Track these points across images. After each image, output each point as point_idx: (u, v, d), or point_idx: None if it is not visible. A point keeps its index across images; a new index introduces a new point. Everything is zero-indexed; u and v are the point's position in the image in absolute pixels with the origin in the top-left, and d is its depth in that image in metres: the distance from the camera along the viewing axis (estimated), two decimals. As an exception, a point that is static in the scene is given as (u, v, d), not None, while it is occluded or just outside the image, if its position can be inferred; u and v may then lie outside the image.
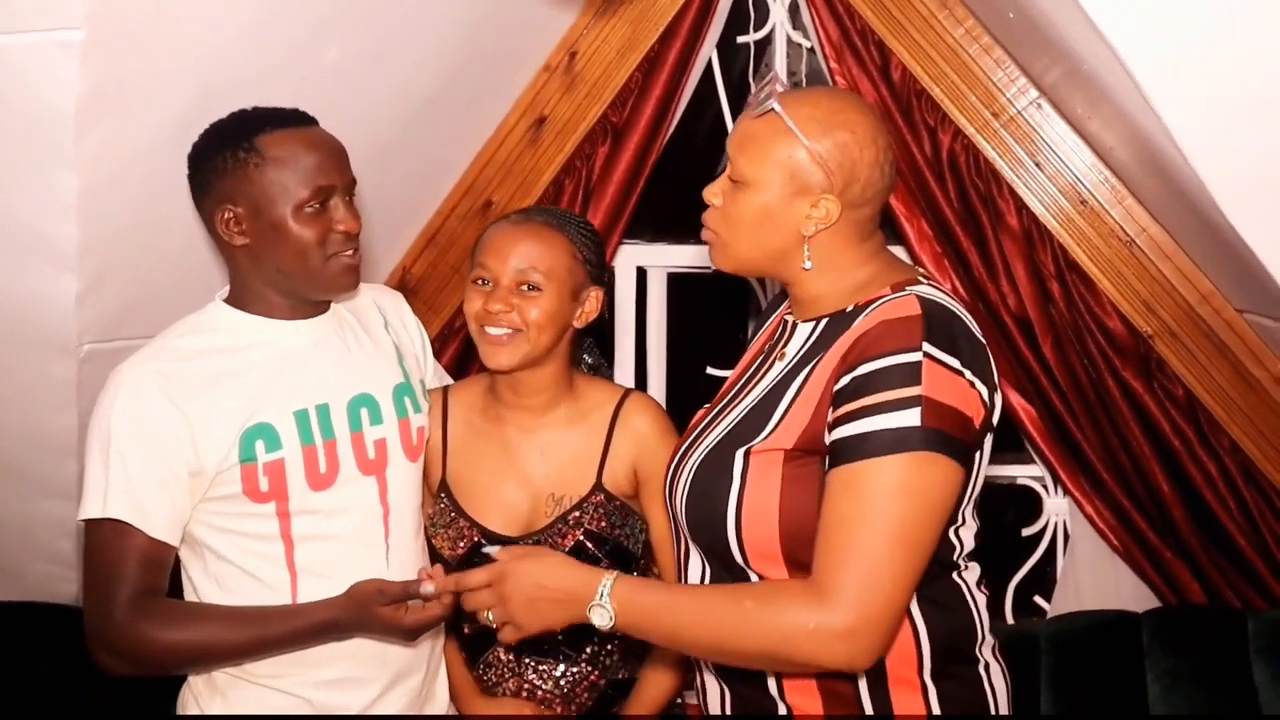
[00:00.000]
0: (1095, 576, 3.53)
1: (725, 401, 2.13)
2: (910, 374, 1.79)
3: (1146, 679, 3.22)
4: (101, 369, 2.21)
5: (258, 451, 2.19)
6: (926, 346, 1.80)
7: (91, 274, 2.50)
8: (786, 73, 3.62)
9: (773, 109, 1.96)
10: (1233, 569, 3.36)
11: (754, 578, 1.93)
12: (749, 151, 1.98)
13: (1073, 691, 3.23)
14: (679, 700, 2.55)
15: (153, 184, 2.44)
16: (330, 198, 2.21)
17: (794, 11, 3.52)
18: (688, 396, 4.02)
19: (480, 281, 2.36)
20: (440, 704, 2.46)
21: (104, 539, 2.14)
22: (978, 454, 1.89)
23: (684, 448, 2.13)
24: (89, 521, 2.16)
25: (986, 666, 1.99)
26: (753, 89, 3.69)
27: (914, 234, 3.34)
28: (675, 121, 3.49)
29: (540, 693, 2.40)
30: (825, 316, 1.99)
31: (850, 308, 1.95)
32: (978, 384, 1.84)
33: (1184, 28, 2.03)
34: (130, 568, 2.13)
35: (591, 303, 2.44)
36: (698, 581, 2.04)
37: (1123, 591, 3.48)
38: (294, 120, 2.23)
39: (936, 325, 1.83)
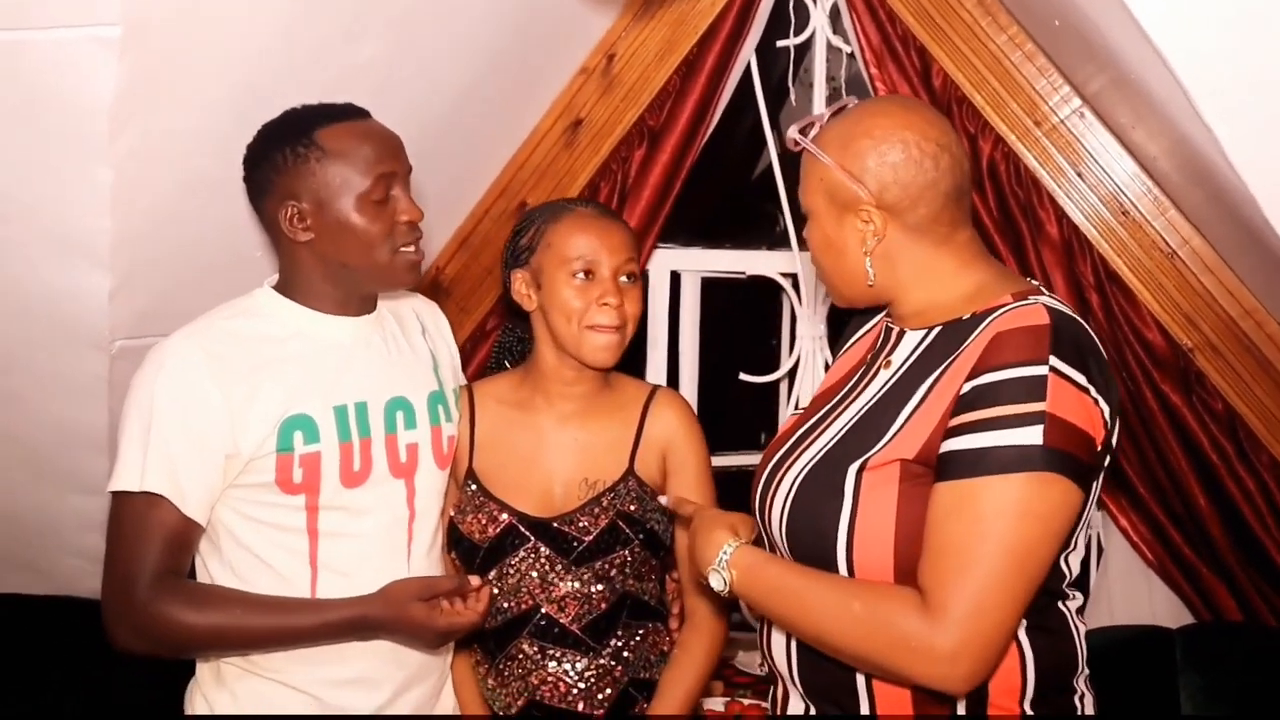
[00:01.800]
0: (1129, 591, 3.50)
1: (825, 411, 2.10)
2: (1034, 388, 1.74)
3: (1180, 696, 3.19)
4: (133, 365, 2.21)
5: (295, 442, 2.20)
6: (1053, 360, 1.75)
7: (125, 270, 2.50)
8: (825, 78, 3.59)
9: (795, 140, 2.01)
10: (1270, 586, 3.32)
11: None
12: (801, 186, 2.03)
13: (1104, 708, 3.19)
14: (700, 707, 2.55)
15: (187, 180, 2.44)
16: (392, 188, 2.23)
17: (835, 16, 3.49)
18: (720, 401, 4.02)
19: (583, 275, 2.38)
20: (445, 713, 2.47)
21: (136, 512, 2.14)
22: (1097, 477, 1.85)
23: (777, 458, 2.09)
24: (120, 494, 2.15)
25: (1081, 697, 1.96)
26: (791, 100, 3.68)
27: (952, 242, 3.30)
28: (713, 125, 3.46)
29: (563, 686, 2.39)
30: (938, 325, 1.96)
31: (968, 315, 1.91)
32: (1101, 402, 1.79)
33: (1237, 40, 1.99)
34: (158, 544, 2.13)
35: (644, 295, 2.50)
36: None
37: (1156, 607, 3.45)
38: (350, 114, 2.26)
39: (1065, 338, 1.78)
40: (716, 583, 1.94)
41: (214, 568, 2.25)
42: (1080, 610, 1.99)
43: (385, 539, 2.31)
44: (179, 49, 2.22)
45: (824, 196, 1.98)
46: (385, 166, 2.22)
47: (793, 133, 2.02)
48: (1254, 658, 3.21)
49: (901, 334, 2.03)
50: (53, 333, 2.61)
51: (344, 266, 2.24)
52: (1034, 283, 1.99)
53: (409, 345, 2.44)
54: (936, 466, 1.80)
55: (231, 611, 2.16)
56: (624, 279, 2.40)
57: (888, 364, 2.02)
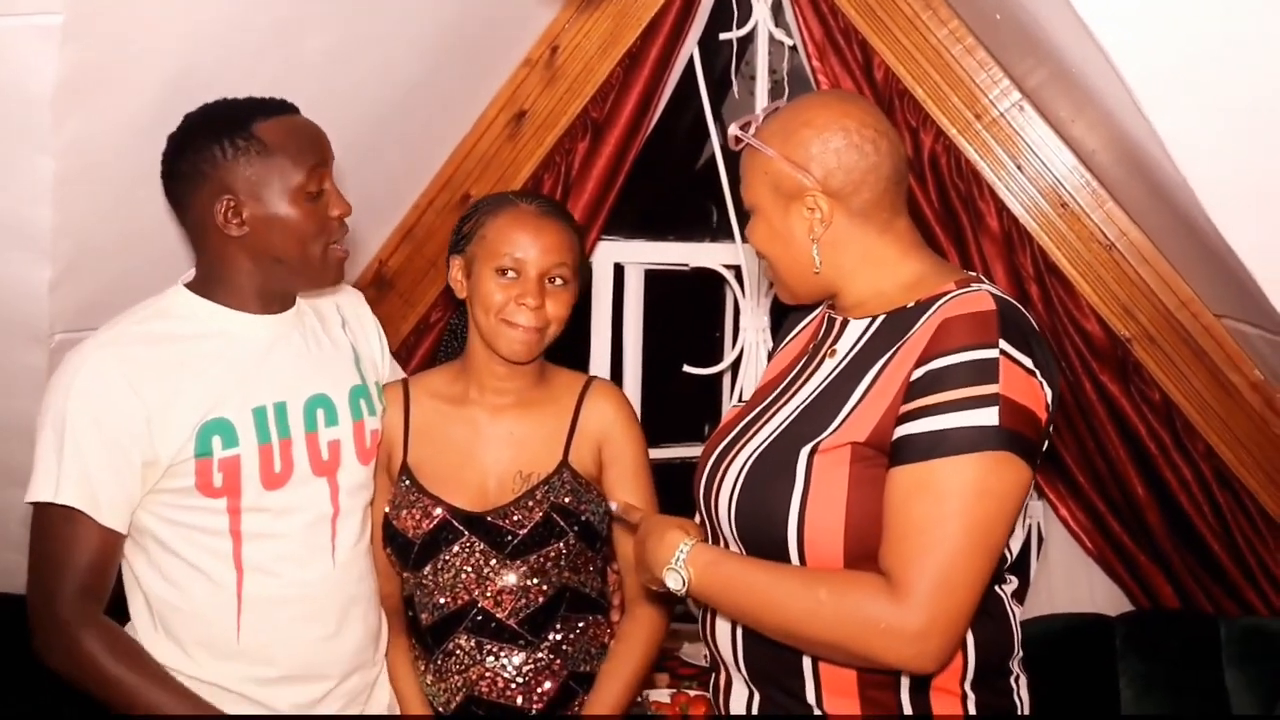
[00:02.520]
0: (1069, 579, 3.54)
1: (769, 401, 2.11)
2: (987, 371, 1.77)
3: (1119, 683, 3.23)
4: (72, 358, 2.18)
5: (214, 447, 2.18)
6: (1003, 344, 1.79)
7: (66, 261, 2.48)
8: (768, 70, 3.60)
9: (737, 136, 2.04)
10: (1206, 574, 3.37)
11: None
12: (743, 182, 2.06)
13: (1045, 695, 3.22)
14: (640, 699, 2.55)
15: (129, 171, 2.41)
16: (324, 182, 2.24)
17: (777, 9, 3.51)
18: (664, 393, 4.03)
19: (507, 272, 2.37)
20: (379, 706, 2.46)
21: (53, 525, 2.12)
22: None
23: (722, 447, 2.10)
24: (38, 505, 2.13)
25: (1017, 678, 2.00)
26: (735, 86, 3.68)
27: (894, 234, 3.33)
28: (656, 118, 3.48)
29: (500, 681, 2.38)
30: (881, 314, 1.98)
31: (912, 303, 1.94)
32: (1045, 386, 1.83)
33: (1177, 34, 2.02)
34: (78, 557, 2.12)
35: (576, 297, 2.47)
36: None
37: (1096, 595, 3.49)
38: (284, 108, 2.26)
39: (1011, 323, 1.82)
40: (674, 582, 1.94)
41: (140, 570, 2.23)
42: (1015, 593, 2.04)
43: (310, 538, 2.30)
44: (122, 38, 2.20)
45: (769, 189, 2.00)
46: (316, 158, 2.23)
47: (734, 130, 2.05)
48: (1191, 644, 3.25)
49: (845, 323, 2.05)
50: (-8, 325, 2.59)
51: (277, 262, 2.23)
52: (971, 273, 2.02)
53: (329, 340, 2.43)
54: (891, 451, 1.82)
55: (139, 677, 2.13)
56: (554, 281, 2.38)
57: (833, 353, 2.04)
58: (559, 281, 2.39)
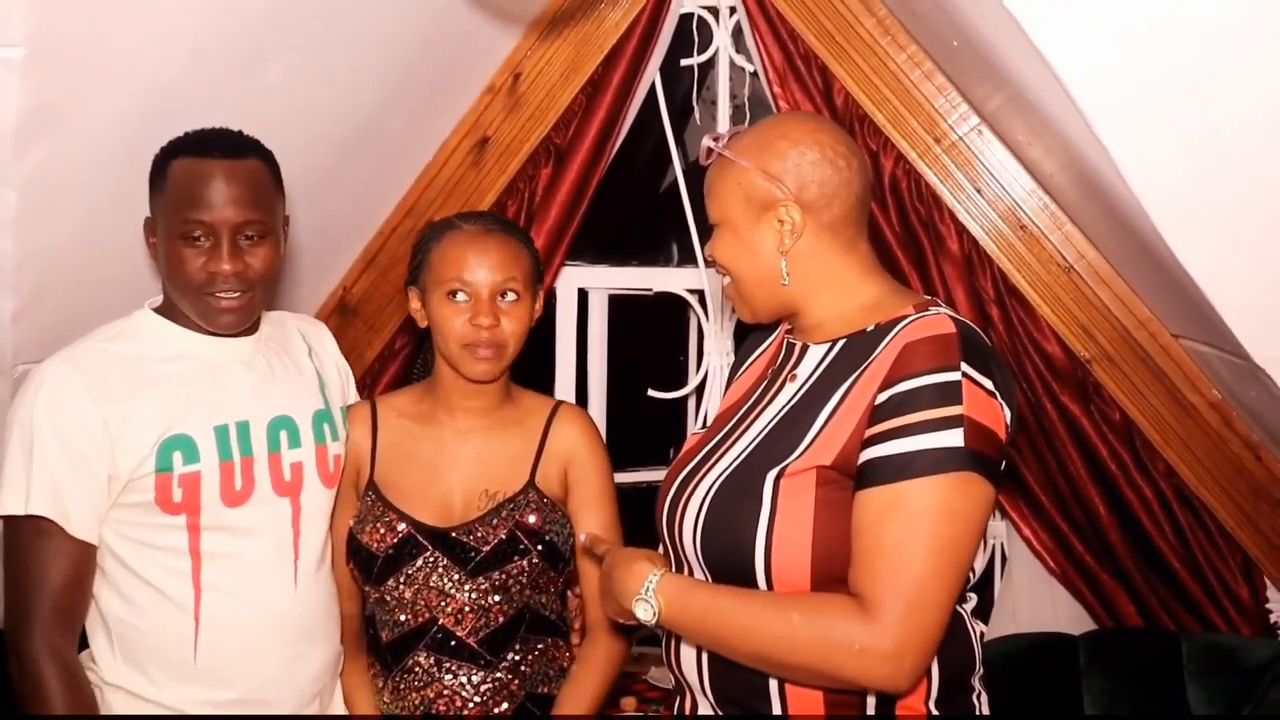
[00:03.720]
0: (1033, 599, 3.55)
1: (730, 426, 2.12)
2: (951, 393, 1.80)
3: (1083, 700, 3.24)
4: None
5: (174, 462, 2.19)
6: (964, 366, 1.82)
7: (28, 292, 2.47)
8: (729, 96, 3.63)
9: (710, 148, 2.06)
10: (1167, 592, 3.39)
11: None
12: (711, 196, 2.07)
13: (1010, 713, 3.25)
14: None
15: (92, 202, 2.42)
16: (216, 236, 2.18)
17: (738, 35, 3.53)
18: (628, 418, 4.03)
19: (456, 295, 2.37)
20: None
21: (25, 538, 2.14)
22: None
23: (685, 474, 2.11)
24: (9, 519, 2.14)
25: (979, 695, 2.01)
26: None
27: (855, 258, 3.34)
28: (618, 143, 3.48)
29: (458, 700, 2.38)
30: (841, 338, 2.00)
31: (871, 327, 1.96)
32: (1004, 407, 1.86)
33: (1129, 58, 2.05)
34: (53, 575, 2.13)
35: (539, 305, 2.49)
36: None
37: (1059, 614, 3.51)
38: (208, 149, 2.20)
39: (971, 345, 1.85)
40: (644, 612, 1.94)
41: (100, 593, 2.23)
42: (976, 611, 2.06)
43: (271, 558, 2.30)
44: (85, 71, 2.20)
45: (740, 201, 2.01)
46: (202, 214, 2.17)
47: (708, 142, 2.07)
48: (1154, 661, 3.28)
49: (805, 348, 2.06)
50: (-47, 356, 2.57)
51: (176, 295, 2.25)
52: (928, 297, 2.04)
53: (294, 365, 2.45)
54: (858, 475, 1.84)
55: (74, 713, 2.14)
56: (507, 297, 2.38)
57: (793, 377, 2.05)
58: (511, 297, 2.39)
